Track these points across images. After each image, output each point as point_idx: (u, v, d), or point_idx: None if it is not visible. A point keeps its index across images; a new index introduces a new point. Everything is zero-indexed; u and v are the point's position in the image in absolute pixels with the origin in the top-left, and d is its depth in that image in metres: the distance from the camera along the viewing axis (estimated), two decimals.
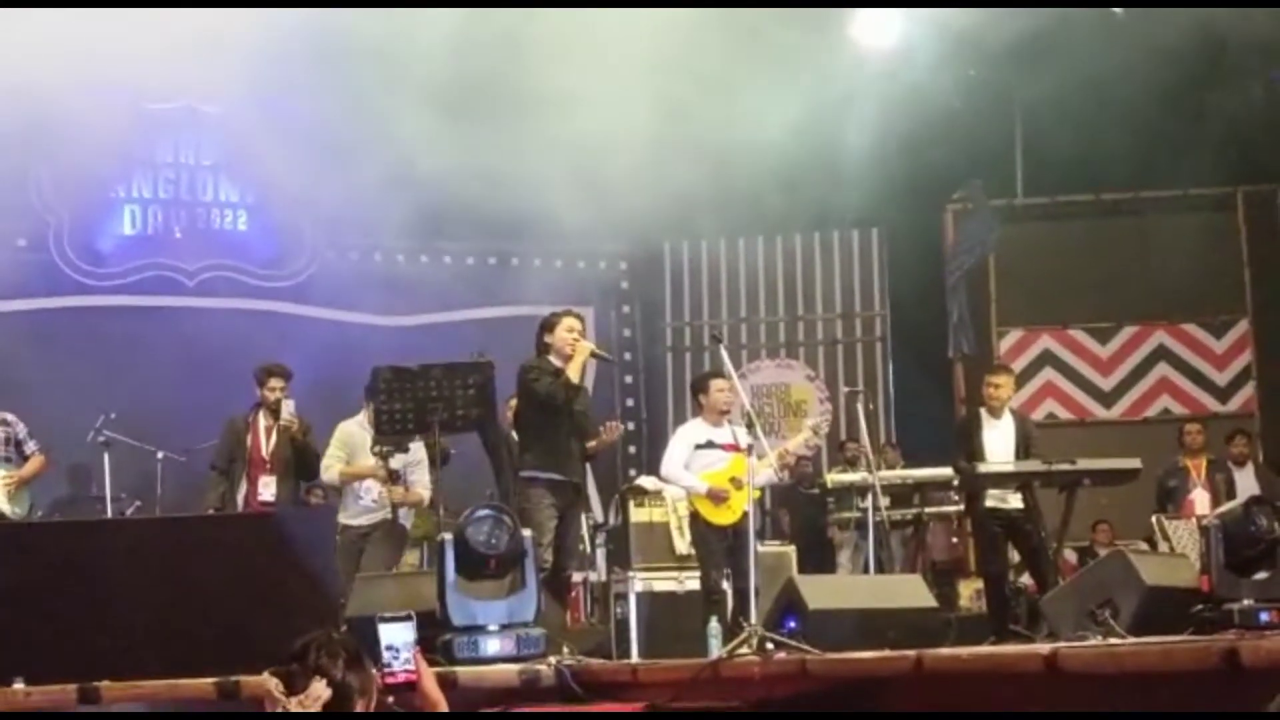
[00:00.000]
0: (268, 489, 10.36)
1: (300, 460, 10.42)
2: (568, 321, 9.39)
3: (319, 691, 4.11)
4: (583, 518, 10.81)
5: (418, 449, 9.95)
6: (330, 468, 10.14)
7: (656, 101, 12.22)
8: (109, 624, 7.17)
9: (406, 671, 4.51)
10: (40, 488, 10.33)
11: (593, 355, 9.54)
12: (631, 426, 17.00)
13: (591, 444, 9.57)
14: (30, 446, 9.87)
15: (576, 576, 11.45)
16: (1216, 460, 12.99)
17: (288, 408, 10.41)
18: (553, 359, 9.29)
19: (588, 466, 9.91)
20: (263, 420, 10.56)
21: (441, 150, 12.44)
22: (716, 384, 10.12)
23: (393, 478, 9.96)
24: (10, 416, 9.85)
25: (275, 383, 10.58)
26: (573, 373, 9.19)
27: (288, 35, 12.18)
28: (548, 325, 9.44)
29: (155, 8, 11.54)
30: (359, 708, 4.19)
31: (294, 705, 4.09)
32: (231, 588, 7.33)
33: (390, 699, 4.74)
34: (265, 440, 10.47)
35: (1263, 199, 15.97)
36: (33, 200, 14.85)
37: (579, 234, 14.96)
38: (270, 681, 4.14)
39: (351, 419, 10.27)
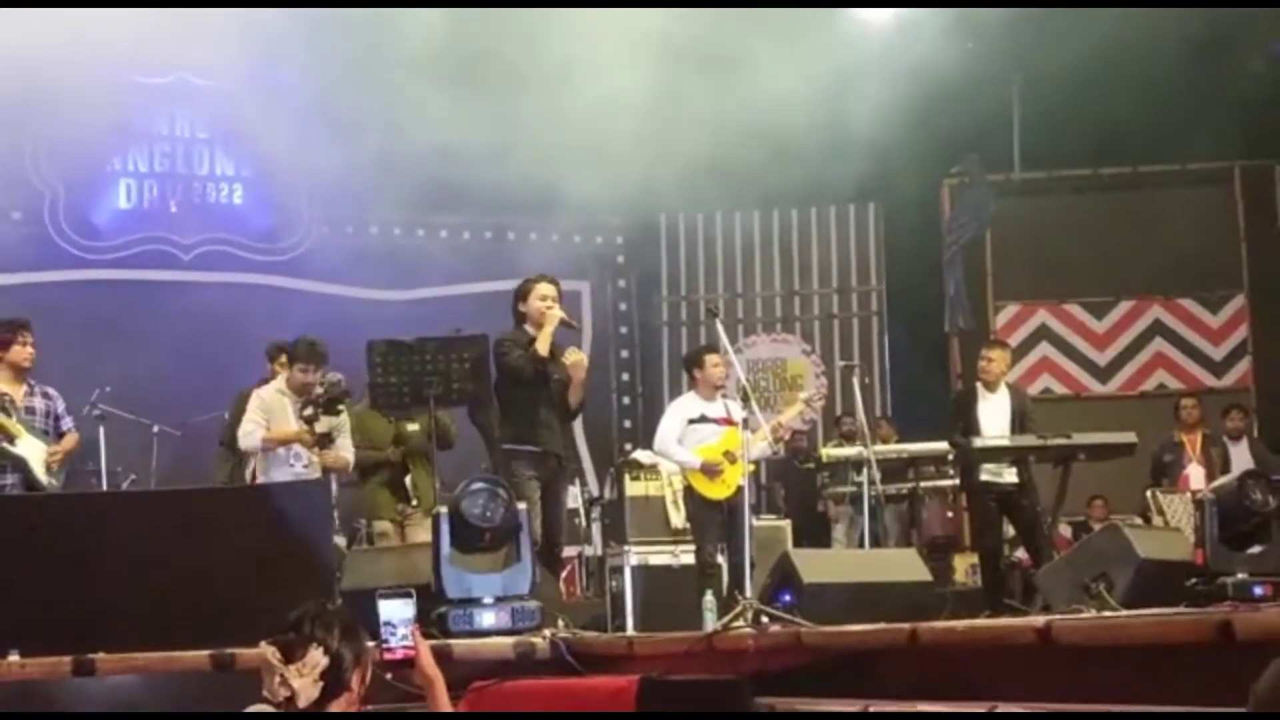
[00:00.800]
0: None
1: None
2: (539, 289, 9.15)
3: (316, 659, 4.14)
4: (577, 491, 10.80)
5: (346, 413, 9.85)
6: (252, 433, 9.74)
7: (654, 75, 12.20)
8: (105, 596, 7.16)
9: (405, 648, 4.52)
10: None
11: (562, 323, 9.16)
12: (627, 401, 17.04)
13: (572, 393, 9.19)
14: (67, 423, 9.82)
15: (571, 550, 11.47)
16: (1212, 435, 13.01)
17: None
18: (529, 328, 9.10)
19: (578, 436, 9.80)
20: None
21: (438, 124, 12.42)
22: (711, 359, 10.11)
23: (323, 442, 9.67)
24: (52, 391, 9.79)
25: (286, 359, 10.56)
26: (541, 344, 8.96)
27: (283, 7, 12.18)
28: (521, 293, 9.21)
29: None
30: (354, 678, 4.21)
31: (291, 673, 4.13)
32: (227, 561, 7.32)
33: (389, 675, 4.75)
34: None
35: (1260, 174, 15.96)
36: (28, 174, 14.84)
37: (575, 208, 14.95)
38: (268, 650, 4.16)
39: (270, 384, 10.06)
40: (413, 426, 10.27)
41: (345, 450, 9.90)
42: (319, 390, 9.64)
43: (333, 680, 4.16)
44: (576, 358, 9.16)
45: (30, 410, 9.52)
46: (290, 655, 4.15)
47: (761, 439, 9.90)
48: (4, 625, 6.83)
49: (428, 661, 4.54)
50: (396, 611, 4.50)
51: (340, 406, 9.70)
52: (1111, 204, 16.08)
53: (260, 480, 9.76)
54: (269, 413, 9.80)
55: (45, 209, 15.00)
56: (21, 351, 9.50)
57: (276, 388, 9.95)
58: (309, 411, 9.61)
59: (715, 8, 12.47)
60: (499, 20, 12.61)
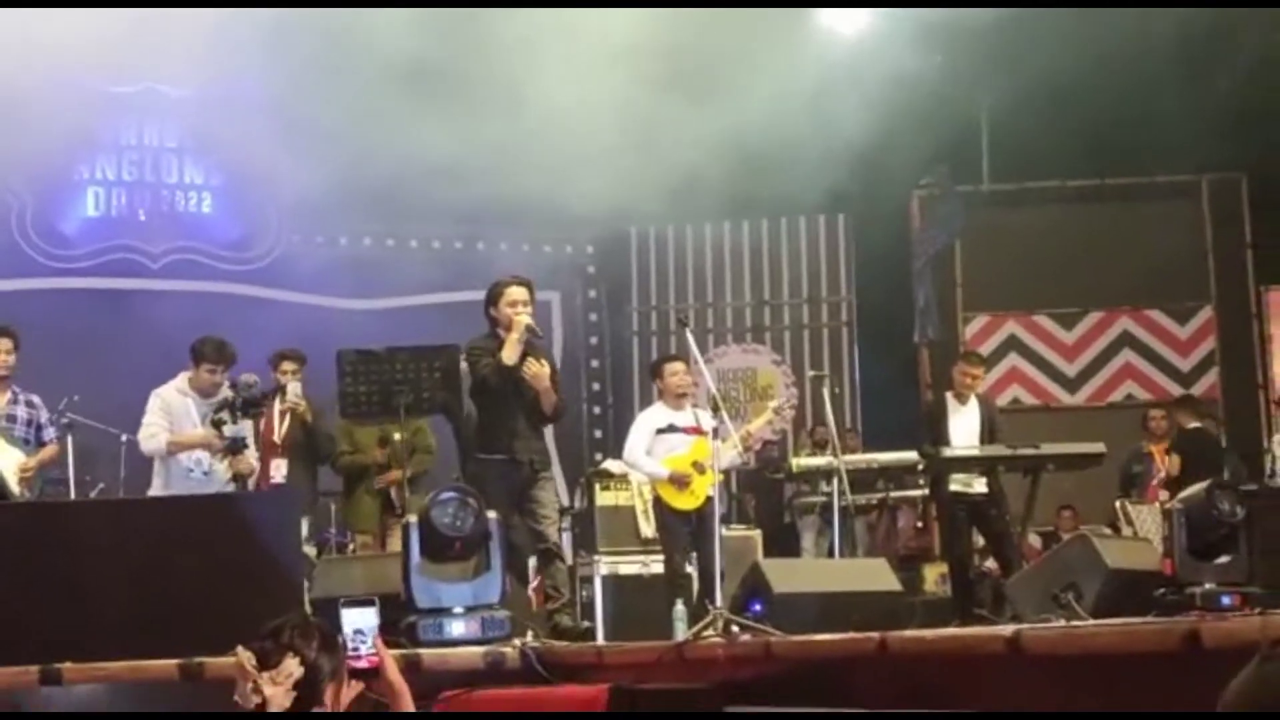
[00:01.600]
0: (279, 471, 10.12)
1: (311, 443, 10.34)
2: (510, 293, 8.81)
3: (291, 668, 4.10)
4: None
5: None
6: (156, 436, 9.34)
7: (624, 86, 12.21)
8: (72, 606, 7.13)
9: (370, 656, 4.48)
10: None
11: (527, 329, 8.73)
12: (597, 410, 17.05)
13: (545, 400, 8.88)
14: (49, 433, 9.72)
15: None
16: None
17: (293, 389, 10.26)
18: (501, 332, 8.80)
19: (550, 445, 9.63)
20: (277, 404, 10.38)
21: (407, 134, 12.40)
22: (670, 368, 10.14)
23: (234, 446, 9.05)
24: (36, 399, 9.68)
25: (287, 366, 10.49)
26: (508, 353, 8.64)
27: (251, 18, 12.16)
28: (492, 297, 8.89)
29: None
30: (328, 691, 4.18)
31: (264, 680, 4.09)
32: (195, 570, 7.29)
33: (362, 685, 4.71)
34: (279, 424, 10.28)
35: (1227, 187, 16.06)
36: None
37: (546, 218, 14.95)
38: (244, 655, 4.13)
39: (168, 384, 9.61)
40: (399, 435, 10.23)
41: (251, 455, 9.34)
42: (229, 393, 9.19)
43: (307, 691, 4.13)
44: (534, 370, 8.75)
45: (11, 419, 9.44)
46: (265, 662, 4.12)
47: (731, 448, 9.89)
48: None
49: (392, 670, 4.51)
50: (361, 619, 4.46)
51: (256, 410, 9.23)
52: (1080, 216, 16.13)
53: (159, 492, 9.37)
54: (172, 415, 9.42)
55: (13, 218, 14.96)
56: None
57: (177, 387, 9.51)
58: (220, 414, 9.08)
59: (686, 8, 12.47)
60: (469, 31, 12.60)
